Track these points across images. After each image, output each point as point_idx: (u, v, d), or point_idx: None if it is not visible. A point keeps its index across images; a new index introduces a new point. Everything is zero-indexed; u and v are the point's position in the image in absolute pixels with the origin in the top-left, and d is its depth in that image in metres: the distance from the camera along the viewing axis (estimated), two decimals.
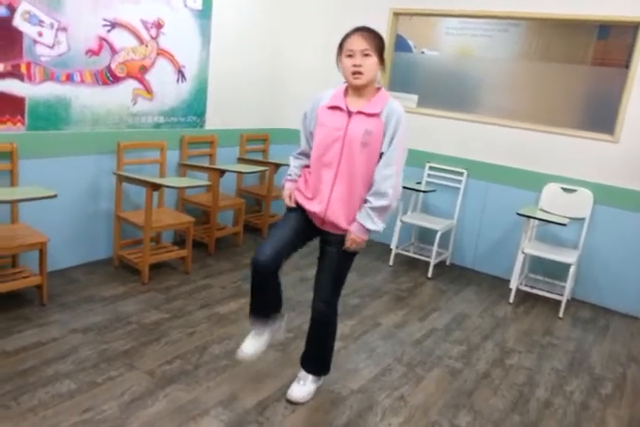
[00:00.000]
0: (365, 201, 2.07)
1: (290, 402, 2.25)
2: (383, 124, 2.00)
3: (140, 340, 2.63)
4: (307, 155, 2.20)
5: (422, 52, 4.28)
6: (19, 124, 2.93)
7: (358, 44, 1.94)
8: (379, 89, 2.07)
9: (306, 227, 2.17)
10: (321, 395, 2.35)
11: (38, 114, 3.00)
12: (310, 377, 2.31)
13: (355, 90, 2.04)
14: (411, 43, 4.30)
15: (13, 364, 2.32)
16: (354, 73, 1.96)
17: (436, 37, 4.20)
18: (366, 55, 1.94)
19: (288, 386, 2.34)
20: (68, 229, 3.30)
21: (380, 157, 2.04)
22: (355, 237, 2.08)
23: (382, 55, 2.00)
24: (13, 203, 2.86)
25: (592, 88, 3.71)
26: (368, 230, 2.08)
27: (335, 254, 2.16)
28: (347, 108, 2.03)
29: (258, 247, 2.08)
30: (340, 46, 2.00)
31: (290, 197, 2.20)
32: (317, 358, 2.33)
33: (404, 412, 2.30)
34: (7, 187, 2.87)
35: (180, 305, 3.05)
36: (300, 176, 2.23)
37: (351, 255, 2.18)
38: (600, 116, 3.64)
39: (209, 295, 3.23)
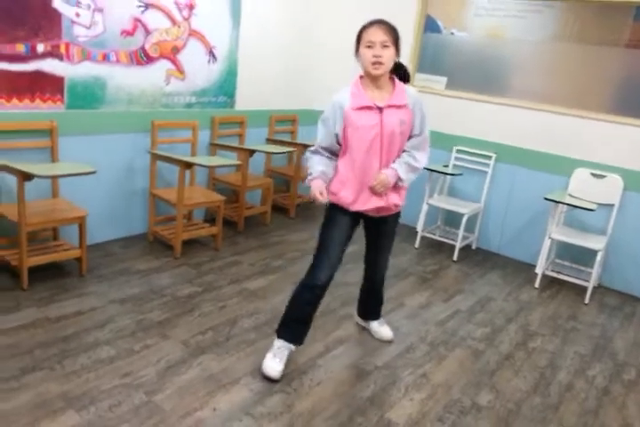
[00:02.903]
0: (402, 156, 2.24)
1: (389, 341, 2.70)
2: (412, 113, 2.18)
3: (174, 311, 2.75)
4: (329, 150, 2.26)
5: (452, 33, 4.22)
6: (58, 103, 3.04)
7: (378, 35, 2.03)
8: (392, 79, 2.19)
9: (353, 227, 2.33)
10: (346, 369, 2.43)
11: (76, 93, 3.09)
12: (381, 319, 2.77)
13: (373, 81, 2.13)
14: (440, 23, 4.25)
15: (56, 330, 2.46)
16: (374, 63, 2.05)
17: (466, 18, 4.13)
18: (385, 46, 2.04)
19: (314, 360, 2.44)
20: (106, 204, 3.42)
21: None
22: (385, 177, 2.19)
23: (398, 47, 2.11)
24: (55, 178, 2.98)
25: (627, 71, 3.62)
26: (398, 178, 2.22)
27: (391, 232, 2.44)
28: (375, 105, 2.13)
29: (316, 265, 2.27)
30: (359, 37, 2.09)
31: (321, 194, 2.18)
32: (380, 306, 2.75)
33: (426, 388, 2.36)
34: (48, 163, 2.99)
35: (210, 280, 3.16)
36: (328, 175, 2.26)
37: (396, 226, 2.45)
38: (634, 101, 3.56)
39: (238, 271, 3.32)
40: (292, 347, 2.36)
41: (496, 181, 4.10)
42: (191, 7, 3.54)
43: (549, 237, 3.59)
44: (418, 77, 4.38)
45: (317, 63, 4.60)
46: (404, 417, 2.16)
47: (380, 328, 2.74)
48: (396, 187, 2.26)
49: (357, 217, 2.32)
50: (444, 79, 4.27)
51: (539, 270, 3.69)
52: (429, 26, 4.27)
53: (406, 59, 4.35)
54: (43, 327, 2.46)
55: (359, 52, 2.10)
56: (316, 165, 2.24)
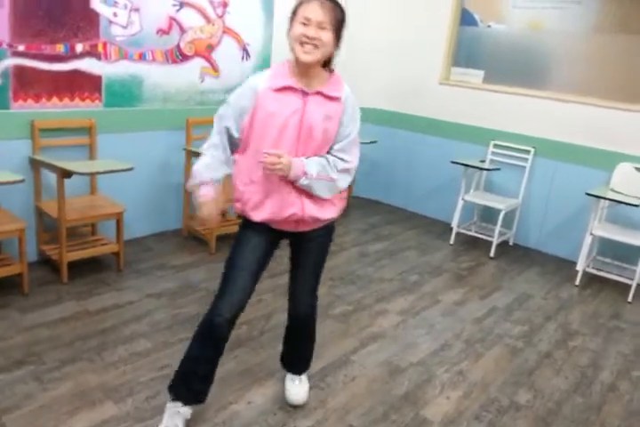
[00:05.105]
0: (326, 156, 1.76)
1: (294, 406, 2.09)
2: (343, 109, 1.73)
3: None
4: (223, 147, 1.80)
5: (489, 26, 4.12)
6: (97, 102, 3.11)
7: (316, 13, 1.59)
8: (332, 71, 1.76)
9: (269, 246, 1.86)
10: (380, 366, 2.40)
11: (114, 91, 3.16)
12: (302, 376, 2.16)
13: (302, 70, 1.68)
14: (476, 16, 4.16)
15: (95, 323, 2.52)
16: (303, 44, 1.60)
17: (504, 10, 4.03)
18: (322, 28, 1.61)
19: (348, 355, 2.43)
20: (142, 200, 3.48)
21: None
22: (286, 160, 1.64)
23: (340, 33, 1.66)
24: (94, 175, 3.05)
25: None
26: (304, 173, 1.68)
27: (316, 249, 1.92)
28: (300, 88, 1.68)
29: (218, 295, 1.84)
30: (294, 13, 1.65)
31: (207, 210, 1.76)
32: (304, 359, 2.16)
33: (462, 386, 2.32)
34: (87, 160, 3.07)
35: None
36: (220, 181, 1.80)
37: (329, 246, 1.95)
38: None
39: (272, 266, 3.23)
40: (187, 412, 1.88)
41: (535, 176, 3.99)
42: (225, 5, 3.57)
43: (591, 234, 3.47)
44: (454, 71, 4.30)
45: (349, 59, 4.56)
46: (439, 415, 2.12)
47: (293, 385, 2.11)
48: (302, 189, 1.73)
49: (275, 235, 1.84)
50: (481, 73, 4.17)
51: (579, 267, 3.58)
52: (465, 19, 4.19)
53: (441, 53, 4.28)
54: (82, 320, 2.53)
55: (292, 30, 1.64)
56: (205, 166, 1.78)
